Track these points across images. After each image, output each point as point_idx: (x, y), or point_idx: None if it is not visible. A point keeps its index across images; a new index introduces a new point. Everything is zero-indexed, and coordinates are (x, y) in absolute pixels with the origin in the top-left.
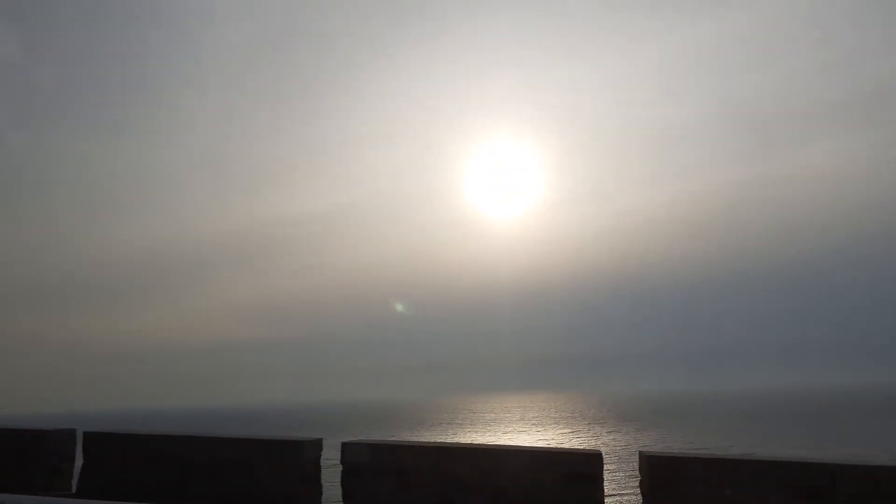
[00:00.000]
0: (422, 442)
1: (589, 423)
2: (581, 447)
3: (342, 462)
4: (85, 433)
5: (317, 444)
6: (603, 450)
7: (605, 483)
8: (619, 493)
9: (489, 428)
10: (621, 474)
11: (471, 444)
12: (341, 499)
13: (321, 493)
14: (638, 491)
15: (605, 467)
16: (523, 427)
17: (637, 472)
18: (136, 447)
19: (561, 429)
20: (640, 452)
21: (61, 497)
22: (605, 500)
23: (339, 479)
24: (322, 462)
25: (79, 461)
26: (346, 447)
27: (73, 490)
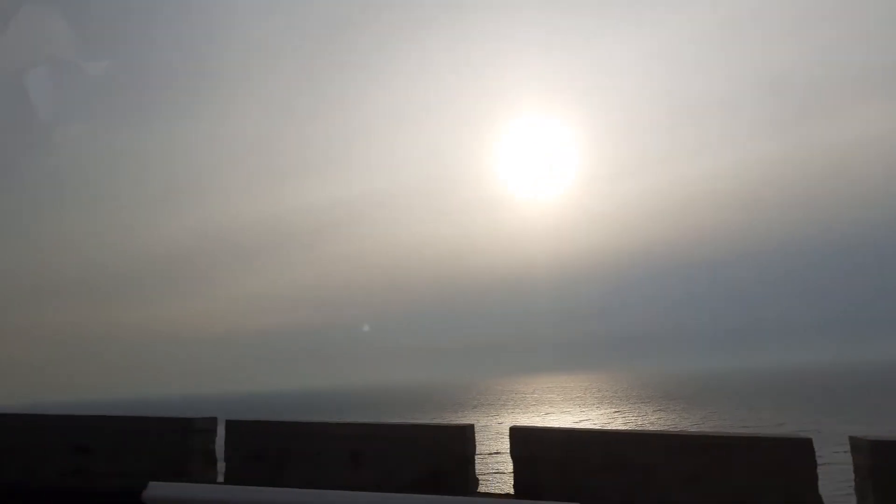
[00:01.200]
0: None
1: (634, 403)
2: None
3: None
4: None
5: (209, 422)
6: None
7: None
8: None
9: (531, 409)
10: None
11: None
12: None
13: (215, 472)
14: None
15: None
16: (567, 407)
17: None
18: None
19: (604, 408)
20: (511, 427)
21: (219, 485)
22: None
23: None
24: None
25: None
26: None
27: None
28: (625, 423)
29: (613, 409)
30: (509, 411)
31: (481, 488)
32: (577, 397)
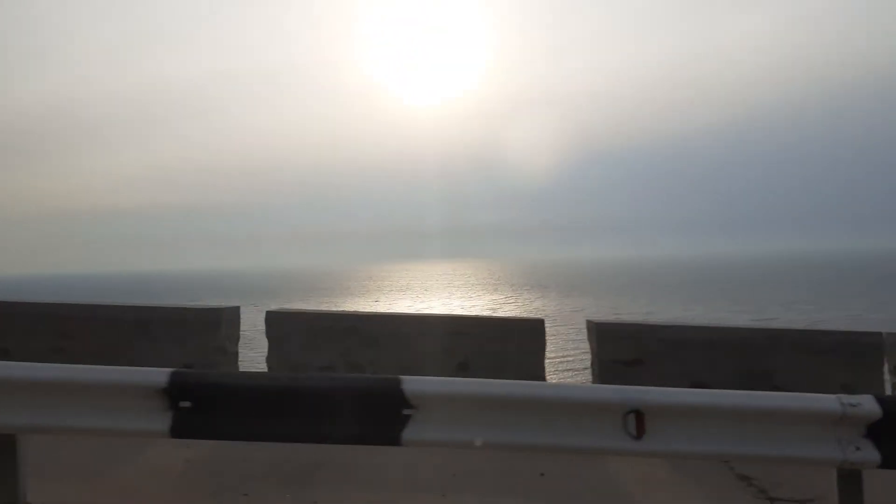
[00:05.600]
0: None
1: (512, 290)
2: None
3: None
4: None
5: (234, 312)
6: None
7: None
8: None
9: (406, 295)
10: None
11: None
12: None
13: (237, 357)
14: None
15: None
16: (461, 293)
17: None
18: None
19: (491, 294)
20: (588, 320)
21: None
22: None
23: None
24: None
25: None
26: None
27: None
28: (516, 310)
29: (502, 296)
30: (397, 296)
31: None
32: (462, 284)
